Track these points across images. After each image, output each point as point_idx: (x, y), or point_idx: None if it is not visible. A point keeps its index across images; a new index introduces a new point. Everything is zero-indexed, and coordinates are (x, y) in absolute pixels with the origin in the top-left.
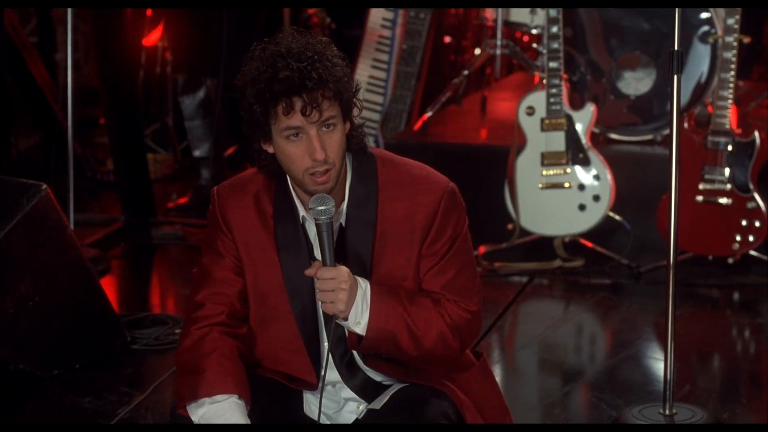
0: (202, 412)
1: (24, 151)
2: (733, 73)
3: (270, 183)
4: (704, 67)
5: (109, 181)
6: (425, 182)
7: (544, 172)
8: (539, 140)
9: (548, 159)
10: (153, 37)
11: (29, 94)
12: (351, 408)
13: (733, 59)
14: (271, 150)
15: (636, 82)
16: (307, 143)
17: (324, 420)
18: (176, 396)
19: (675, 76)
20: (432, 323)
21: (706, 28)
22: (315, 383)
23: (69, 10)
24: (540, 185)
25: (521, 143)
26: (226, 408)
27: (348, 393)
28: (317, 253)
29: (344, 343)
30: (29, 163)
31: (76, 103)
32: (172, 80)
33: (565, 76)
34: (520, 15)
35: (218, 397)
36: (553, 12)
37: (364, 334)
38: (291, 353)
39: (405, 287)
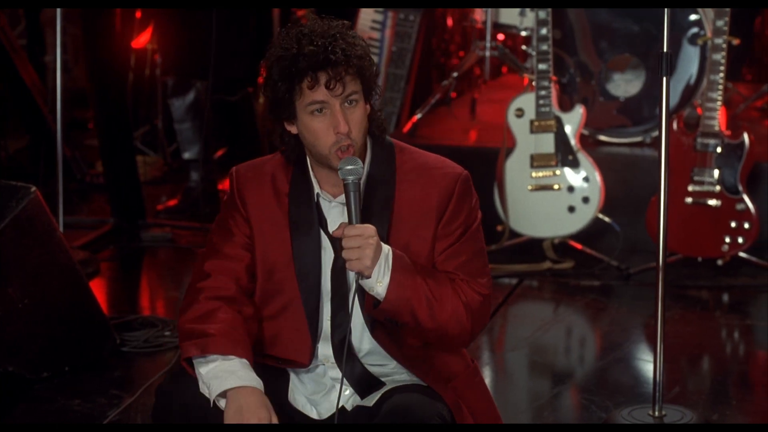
0: (211, 366)
1: (13, 153)
2: (722, 75)
3: (288, 165)
4: (693, 69)
5: (99, 183)
6: (441, 167)
7: (534, 174)
8: (528, 142)
9: (537, 161)
10: (142, 40)
11: (18, 96)
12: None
13: (722, 61)
14: (294, 130)
15: (625, 84)
16: (331, 117)
17: (309, 405)
18: (181, 353)
19: (664, 78)
20: (448, 297)
21: (695, 30)
22: (307, 363)
23: (58, 12)
24: (529, 187)
25: (510, 145)
26: (239, 366)
27: (336, 373)
28: (332, 228)
29: (344, 329)
30: (18, 166)
31: (65, 105)
32: (162, 83)
33: (554, 78)
34: (509, 17)
35: (230, 356)
36: (542, 14)
37: (384, 294)
38: (291, 331)
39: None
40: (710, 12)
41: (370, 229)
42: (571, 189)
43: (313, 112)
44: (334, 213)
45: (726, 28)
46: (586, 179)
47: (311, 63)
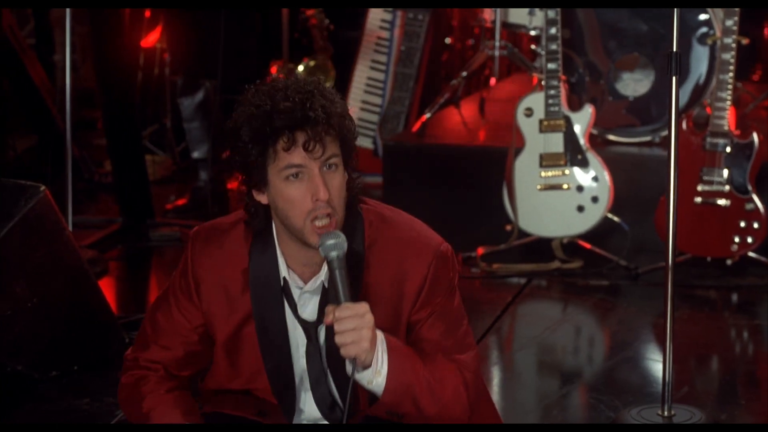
0: None
1: (21, 153)
2: (731, 74)
3: (248, 237)
4: (703, 69)
5: (107, 183)
6: (414, 247)
7: (543, 174)
8: (538, 142)
9: (546, 160)
10: (151, 39)
11: (26, 96)
12: None
13: (732, 61)
14: (264, 200)
15: (634, 84)
16: (308, 183)
17: None
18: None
19: (673, 78)
20: (448, 375)
21: (704, 29)
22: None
23: (67, 12)
24: (538, 186)
25: (519, 145)
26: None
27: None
28: (303, 313)
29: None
30: (27, 165)
31: (74, 104)
32: (171, 82)
33: (563, 77)
34: (518, 16)
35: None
36: (551, 13)
37: (383, 386)
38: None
39: None
40: (719, 11)
41: (362, 306)
42: (580, 188)
43: (288, 177)
44: (305, 298)
45: (735, 28)
46: (595, 179)
47: (287, 121)
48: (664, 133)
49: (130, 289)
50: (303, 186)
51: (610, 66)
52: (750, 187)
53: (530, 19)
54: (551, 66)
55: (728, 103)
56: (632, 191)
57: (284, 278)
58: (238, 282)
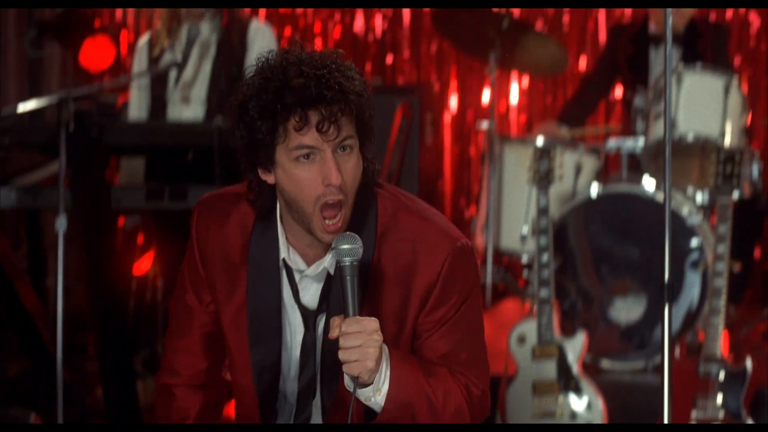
0: None
1: (12, 377)
2: (723, 300)
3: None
4: (695, 294)
5: (98, 409)
6: (430, 238)
7: (536, 401)
8: (530, 369)
9: (540, 388)
10: (144, 266)
11: (18, 320)
12: None
13: (724, 286)
14: (271, 180)
15: (627, 310)
16: (320, 165)
17: None
18: None
19: (666, 306)
20: (451, 396)
21: (695, 255)
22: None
23: (60, 237)
24: (531, 414)
25: (512, 372)
26: None
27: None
28: (306, 301)
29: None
30: (17, 390)
31: (66, 328)
32: (164, 308)
33: (555, 303)
34: (510, 242)
35: None
36: (543, 241)
37: (382, 404)
38: (240, 418)
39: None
40: (711, 237)
41: (372, 322)
42: (573, 416)
43: (299, 158)
44: (306, 281)
45: (727, 254)
46: (588, 406)
47: (301, 99)
48: (658, 359)
49: None
50: (314, 168)
51: (602, 292)
52: (744, 412)
53: (522, 246)
54: (543, 293)
55: (721, 328)
56: (627, 419)
57: (283, 259)
58: (238, 256)
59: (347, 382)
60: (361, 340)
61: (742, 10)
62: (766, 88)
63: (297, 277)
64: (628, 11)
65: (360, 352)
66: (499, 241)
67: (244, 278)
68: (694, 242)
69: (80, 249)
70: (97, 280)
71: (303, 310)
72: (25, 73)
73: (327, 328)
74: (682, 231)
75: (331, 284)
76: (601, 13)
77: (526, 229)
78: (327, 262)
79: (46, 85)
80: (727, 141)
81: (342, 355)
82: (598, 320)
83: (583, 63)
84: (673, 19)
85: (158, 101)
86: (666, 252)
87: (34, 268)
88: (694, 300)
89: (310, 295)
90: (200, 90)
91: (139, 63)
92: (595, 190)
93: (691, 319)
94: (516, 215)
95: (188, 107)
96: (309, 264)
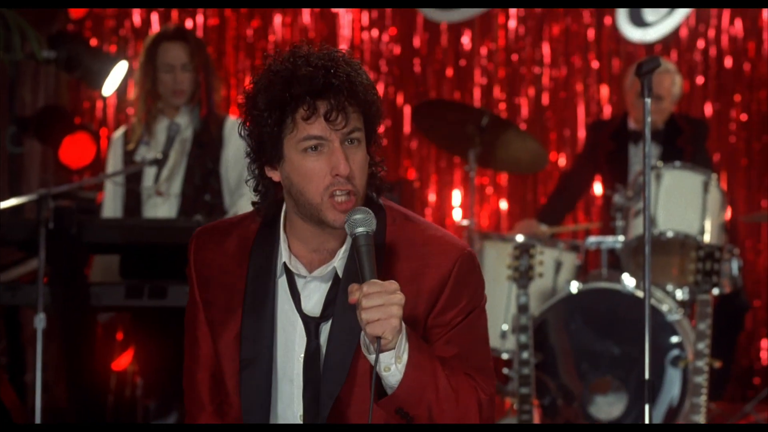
0: None
1: None
2: (704, 397)
3: (252, 233)
4: (675, 391)
5: None
6: (439, 243)
7: None
8: None
9: None
10: (123, 362)
11: None
12: None
13: (705, 383)
14: (276, 177)
15: (608, 407)
16: (328, 156)
17: None
18: None
19: (647, 405)
20: (465, 389)
21: (676, 352)
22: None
23: (39, 332)
24: None
25: None
26: None
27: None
28: (306, 306)
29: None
30: None
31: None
32: (143, 405)
33: (536, 401)
34: (490, 339)
35: None
36: (523, 338)
37: (400, 377)
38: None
39: None
40: (691, 334)
41: (392, 283)
42: None
43: (307, 149)
44: (310, 288)
45: (707, 351)
46: None
47: (308, 88)
48: None
49: None
50: (322, 159)
51: (583, 389)
52: None
53: (503, 343)
54: (524, 390)
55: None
56: None
57: (284, 263)
58: (237, 268)
59: (366, 352)
60: (383, 299)
61: (719, 106)
62: (745, 184)
63: (300, 283)
64: (607, 108)
65: (383, 311)
66: None
67: (243, 291)
68: (675, 339)
69: (59, 345)
70: (76, 376)
71: (305, 317)
72: (5, 169)
73: (331, 336)
74: (663, 327)
75: (338, 287)
76: (580, 109)
77: (506, 327)
78: (337, 261)
79: (26, 181)
80: (707, 238)
81: (364, 315)
82: (579, 417)
83: (563, 160)
84: (652, 116)
85: (132, 195)
86: (646, 348)
87: (13, 363)
88: (674, 397)
89: (314, 302)
90: (175, 185)
91: (114, 156)
92: (575, 287)
93: (672, 415)
94: (496, 312)
95: (164, 202)
96: (311, 270)
